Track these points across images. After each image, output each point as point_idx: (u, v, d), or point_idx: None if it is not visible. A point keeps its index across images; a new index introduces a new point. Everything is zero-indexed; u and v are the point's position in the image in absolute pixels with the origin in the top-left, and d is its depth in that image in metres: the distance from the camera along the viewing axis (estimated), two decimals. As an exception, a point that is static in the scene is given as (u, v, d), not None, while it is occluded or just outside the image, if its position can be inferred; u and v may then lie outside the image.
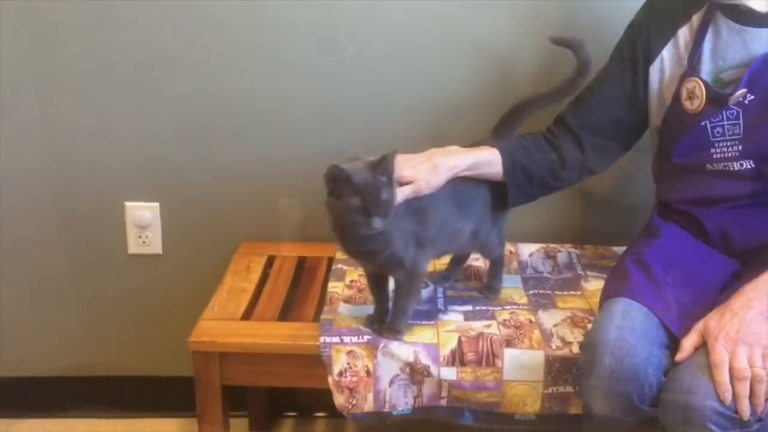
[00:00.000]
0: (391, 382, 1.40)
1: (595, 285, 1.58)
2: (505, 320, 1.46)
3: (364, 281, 1.51)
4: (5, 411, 1.91)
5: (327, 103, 1.75)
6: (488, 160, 1.45)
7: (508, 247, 1.72)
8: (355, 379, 1.39)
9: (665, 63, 1.45)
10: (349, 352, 1.40)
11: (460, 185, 1.43)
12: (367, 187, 1.26)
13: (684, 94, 1.41)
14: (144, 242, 1.83)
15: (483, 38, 1.70)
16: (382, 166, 1.29)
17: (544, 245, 1.77)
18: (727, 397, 1.15)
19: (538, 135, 1.52)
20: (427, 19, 1.70)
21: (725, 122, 1.38)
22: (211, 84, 1.74)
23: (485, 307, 1.51)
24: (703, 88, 1.38)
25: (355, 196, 1.26)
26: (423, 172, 1.38)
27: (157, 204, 1.82)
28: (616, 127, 1.51)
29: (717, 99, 1.37)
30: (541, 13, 1.68)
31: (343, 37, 1.71)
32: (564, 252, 1.74)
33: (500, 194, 1.49)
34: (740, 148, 1.38)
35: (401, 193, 1.35)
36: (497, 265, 1.57)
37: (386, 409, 1.41)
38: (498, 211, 1.51)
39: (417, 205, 1.37)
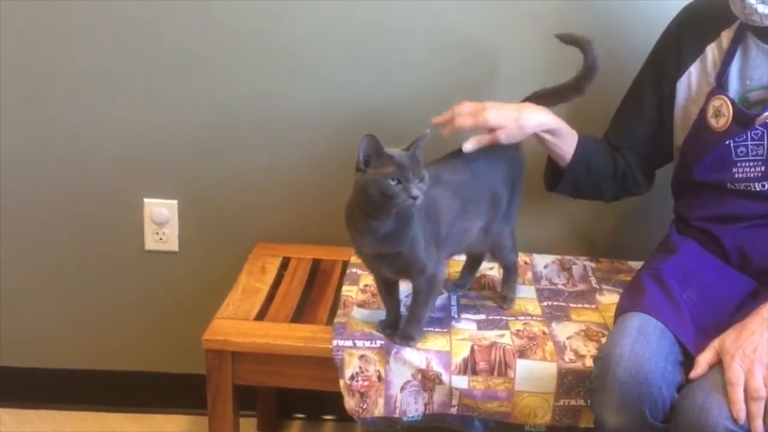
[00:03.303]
0: (402, 388, 1.40)
1: (609, 298, 1.57)
2: (518, 331, 1.46)
3: (378, 286, 1.51)
4: (16, 401, 1.93)
5: (344, 106, 1.75)
6: (569, 135, 1.50)
7: (523, 257, 1.72)
8: (366, 383, 1.40)
9: (692, 79, 1.45)
10: (362, 357, 1.40)
11: (464, 183, 1.42)
12: (402, 158, 1.26)
13: (710, 111, 1.40)
14: (161, 239, 1.84)
15: (495, 44, 1.71)
16: (416, 146, 1.29)
17: (559, 257, 1.76)
18: (741, 416, 1.15)
19: (606, 141, 1.57)
20: (440, 27, 1.70)
21: (749, 142, 1.37)
22: (231, 85, 1.75)
23: (499, 317, 1.51)
24: (731, 106, 1.37)
25: (391, 165, 1.24)
26: (509, 120, 1.41)
27: (175, 201, 1.83)
28: (651, 147, 1.54)
29: (743, 119, 1.37)
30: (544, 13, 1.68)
31: (358, 42, 1.72)
32: (579, 264, 1.74)
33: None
34: (763, 169, 1.37)
35: (478, 141, 1.39)
36: (511, 274, 1.57)
37: (396, 415, 1.41)
38: (509, 207, 1.50)
39: (426, 203, 1.32)
